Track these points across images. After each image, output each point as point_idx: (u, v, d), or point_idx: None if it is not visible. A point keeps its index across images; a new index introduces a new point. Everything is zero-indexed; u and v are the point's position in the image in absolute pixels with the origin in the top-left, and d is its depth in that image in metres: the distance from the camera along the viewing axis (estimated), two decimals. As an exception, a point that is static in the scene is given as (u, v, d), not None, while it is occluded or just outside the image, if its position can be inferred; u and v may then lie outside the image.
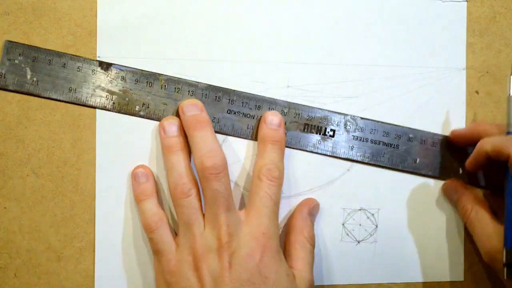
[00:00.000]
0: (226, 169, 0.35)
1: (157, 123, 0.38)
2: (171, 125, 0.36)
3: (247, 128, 0.39)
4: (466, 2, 0.41)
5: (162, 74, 0.38)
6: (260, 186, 0.35)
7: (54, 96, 0.37)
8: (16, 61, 0.37)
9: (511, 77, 0.36)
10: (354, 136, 0.40)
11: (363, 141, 0.40)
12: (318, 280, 0.40)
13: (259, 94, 0.39)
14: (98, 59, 0.38)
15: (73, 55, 0.37)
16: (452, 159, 0.40)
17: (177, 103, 0.38)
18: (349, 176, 0.41)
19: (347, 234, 0.41)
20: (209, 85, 0.38)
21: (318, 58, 0.40)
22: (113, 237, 0.38)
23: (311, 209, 0.38)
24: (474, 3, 0.42)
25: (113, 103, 0.38)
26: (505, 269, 0.31)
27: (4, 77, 0.36)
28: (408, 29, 0.41)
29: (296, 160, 0.40)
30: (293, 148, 0.40)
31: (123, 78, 0.38)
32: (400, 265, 0.41)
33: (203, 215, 0.35)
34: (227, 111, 0.39)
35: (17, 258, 0.38)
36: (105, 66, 0.37)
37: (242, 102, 0.39)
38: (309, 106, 0.40)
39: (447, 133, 0.41)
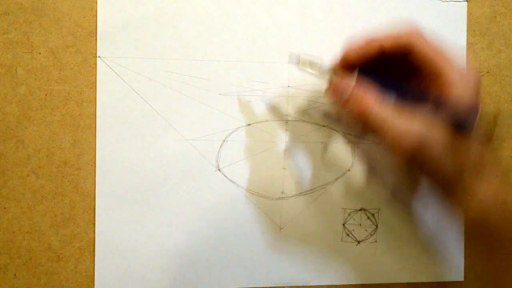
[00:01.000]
0: None
1: (158, 123, 0.38)
2: None
3: None
4: (466, 2, 0.41)
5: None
6: None
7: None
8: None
9: None
10: None
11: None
12: (318, 280, 0.40)
13: (259, 94, 0.39)
14: (98, 58, 0.38)
15: (73, 55, 0.37)
16: None
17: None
18: (349, 176, 0.41)
19: (347, 234, 0.41)
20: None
21: (318, 58, 0.40)
22: (113, 237, 0.38)
23: None
24: (474, 3, 0.42)
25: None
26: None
27: None
28: (408, 29, 0.41)
29: (296, 160, 0.40)
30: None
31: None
32: (400, 265, 0.41)
33: None
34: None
35: (17, 258, 0.38)
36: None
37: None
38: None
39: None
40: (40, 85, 0.38)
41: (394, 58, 0.33)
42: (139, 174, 0.38)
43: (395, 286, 0.41)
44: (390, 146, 0.32)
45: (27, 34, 0.37)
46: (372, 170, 0.41)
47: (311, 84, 0.40)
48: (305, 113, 0.40)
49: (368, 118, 0.32)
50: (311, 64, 0.35)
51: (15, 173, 0.38)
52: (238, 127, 0.39)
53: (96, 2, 0.38)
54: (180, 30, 0.39)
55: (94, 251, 0.38)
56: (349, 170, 0.41)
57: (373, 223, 0.41)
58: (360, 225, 0.41)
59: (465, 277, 0.42)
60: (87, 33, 0.38)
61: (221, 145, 0.39)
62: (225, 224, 0.39)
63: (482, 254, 0.36)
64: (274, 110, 0.38)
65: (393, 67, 0.34)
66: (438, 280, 0.42)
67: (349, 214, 0.41)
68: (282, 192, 0.40)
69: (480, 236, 0.35)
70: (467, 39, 0.42)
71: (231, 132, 0.39)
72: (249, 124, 0.39)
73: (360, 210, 0.41)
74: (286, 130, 0.40)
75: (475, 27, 0.42)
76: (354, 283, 0.41)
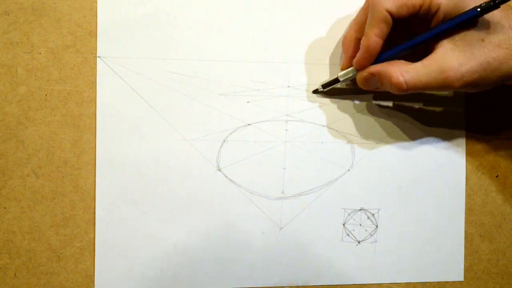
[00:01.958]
0: None
1: (158, 123, 0.38)
2: None
3: None
4: (466, 2, 0.41)
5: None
6: None
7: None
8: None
9: None
10: None
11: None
12: (318, 280, 0.40)
13: (260, 94, 0.39)
14: (98, 58, 0.38)
15: (73, 55, 0.37)
16: None
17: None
18: (349, 176, 0.41)
19: (348, 234, 0.41)
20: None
21: (318, 58, 0.40)
22: (113, 237, 0.38)
23: None
24: (474, 3, 0.42)
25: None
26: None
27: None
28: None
29: (296, 160, 0.40)
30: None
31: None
32: (400, 265, 0.41)
33: None
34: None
35: (17, 258, 0.38)
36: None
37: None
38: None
39: (448, 134, 0.41)
40: (40, 85, 0.38)
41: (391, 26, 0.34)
42: (139, 174, 0.38)
43: (395, 286, 0.41)
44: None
45: (27, 34, 0.37)
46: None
47: (310, 84, 0.40)
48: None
49: (408, 90, 0.34)
50: (332, 82, 0.38)
51: (15, 173, 0.38)
52: (238, 127, 0.39)
53: (96, 2, 0.38)
54: (180, 30, 0.39)
55: (94, 251, 0.38)
56: (349, 170, 0.41)
57: (373, 223, 0.41)
58: (360, 225, 0.41)
59: (465, 277, 0.42)
60: (87, 33, 0.38)
61: (221, 145, 0.39)
62: (225, 224, 0.39)
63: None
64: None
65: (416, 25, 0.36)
66: (438, 280, 0.42)
67: (349, 214, 0.41)
68: (282, 192, 0.40)
69: None
70: (467, 39, 0.42)
71: (231, 132, 0.39)
72: (249, 124, 0.39)
73: (360, 210, 0.41)
74: (286, 130, 0.40)
75: (475, 27, 0.42)
76: (354, 283, 0.41)
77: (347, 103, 0.40)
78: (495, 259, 0.43)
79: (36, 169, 0.38)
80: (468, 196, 0.42)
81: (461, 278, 0.42)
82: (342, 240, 0.41)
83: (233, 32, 0.39)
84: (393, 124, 0.41)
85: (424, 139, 0.41)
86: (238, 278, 0.40)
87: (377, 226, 0.41)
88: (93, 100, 0.38)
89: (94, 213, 0.38)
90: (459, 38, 0.33)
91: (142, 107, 0.38)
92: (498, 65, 0.33)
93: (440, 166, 0.41)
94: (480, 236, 0.42)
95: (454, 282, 0.42)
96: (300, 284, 0.40)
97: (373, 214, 0.41)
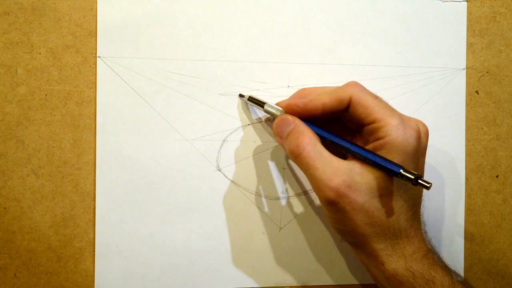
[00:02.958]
0: None
1: (158, 123, 0.38)
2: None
3: None
4: (466, 2, 0.41)
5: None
6: None
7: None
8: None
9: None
10: None
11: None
12: (318, 280, 0.40)
13: (260, 94, 0.39)
14: (98, 58, 0.38)
15: (73, 55, 0.37)
16: None
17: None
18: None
19: (347, 234, 0.41)
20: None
21: (318, 58, 0.40)
22: (113, 237, 0.38)
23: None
24: (474, 3, 0.42)
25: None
26: (421, 182, 0.30)
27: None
28: (408, 29, 0.41)
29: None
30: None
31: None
32: (400, 265, 0.41)
33: None
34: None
35: (17, 258, 0.38)
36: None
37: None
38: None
39: (447, 135, 0.41)
40: (40, 85, 0.38)
41: (334, 112, 0.34)
42: (139, 174, 0.38)
43: (395, 286, 0.41)
44: (316, 187, 0.32)
45: (27, 34, 0.37)
46: None
47: (310, 84, 0.40)
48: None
49: (299, 156, 0.32)
50: (258, 102, 0.37)
51: (15, 173, 0.38)
52: (238, 127, 0.39)
53: (96, 2, 0.38)
54: (180, 30, 0.39)
55: (94, 251, 0.38)
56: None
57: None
58: (360, 225, 0.41)
59: (465, 277, 0.42)
60: (87, 33, 0.38)
61: (221, 145, 0.39)
62: (225, 224, 0.39)
63: None
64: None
65: (339, 123, 0.36)
66: (438, 280, 0.42)
67: (349, 214, 0.41)
68: (282, 192, 0.40)
69: None
70: (467, 39, 0.42)
71: (231, 132, 0.39)
72: (249, 124, 0.39)
73: (360, 210, 0.41)
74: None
75: (475, 27, 0.42)
76: (354, 283, 0.41)
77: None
78: (495, 259, 0.43)
79: (36, 169, 0.38)
80: (468, 196, 0.42)
81: (461, 278, 0.42)
82: (341, 240, 0.41)
83: (233, 32, 0.39)
84: (393, 124, 0.41)
85: (424, 139, 0.41)
86: (238, 278, 0.40)
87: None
88: (93, 100, 0.38)
89: (94, 213, 0.38)
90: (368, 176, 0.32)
91: (142, 107, 0.38)
92: (357, 228, 0.32)
93: (440, 166, 0.41)
94: (480, 236, 0.42)
95: (454, 282, 0.42)
96: (300, 284, 0.40)
97: (373, 214, 0.41)
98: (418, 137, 0.32)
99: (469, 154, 0.42)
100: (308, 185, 0.40)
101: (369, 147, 0.33)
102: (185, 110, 0.39)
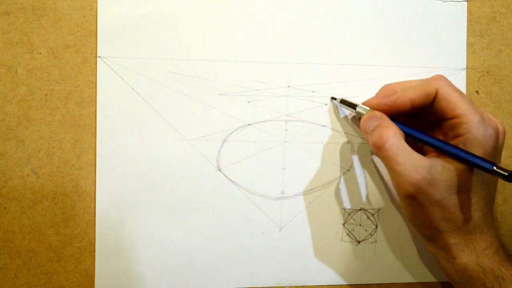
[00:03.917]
0: None
1: (158, 123, 0.38)
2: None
3: None
4: (466, 2, 0.41)
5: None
6: None
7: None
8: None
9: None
10: None
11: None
12: (318, 280, 0.40)
13: (260, 94, 0.39)
14: (98, 58, 0.38)
15: (73, 55, 0.37)
16: None
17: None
18: (349, 176, 0.41)
19: (348, 234, 0.41)
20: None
21: (318, 58, 0.40)
22: (113, 237, 0.38)
23: None
24: (474, 3, 0.42)
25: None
26: None
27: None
28: (408, 29, 0.41)
29: (296, 160, 0.40)
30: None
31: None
32: (400, 265, 0.41)
33: None
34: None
35: (17, 258, 0.38)
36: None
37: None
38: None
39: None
40: (40, 85, 0.38)
41: (421, 107, 0.34)
42: (139, 174, 0.38)
43: (395, 286, 0.41)
44: (395, 181, 0.33)
45: (27, 34, 0.37)
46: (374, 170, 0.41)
47: (310, 84, 0.40)
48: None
49: (382, 148, 0.33)
50: (350, 104, 0.38)
51: (15, 173, 0.38)
52: (238, 127, 0.39)
53: (96, 2, 0.38)
54: (180, 30, 0.39)
55: (94, 251, 0.38)
56: (349, 170, 0.41)
57: (373, 223, 0.41)
58: (360, 225, 0.41)
59: None
60: (87, 33, 0.38)
61: (221, 145, 0.39)
62: (225, 224, 0.39)
63: None
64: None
65: (419, 116, 0.37)
66: (438, 280, 0.42)
67: (349, 214, 0.41)
68: (282, 192, 0.40)
69: None
70: (467, 39, 0.42)
71: (231, 132, 0.39)
72: (249, 124, 0.39)
73: (360, 210, 0.41)
74: (286, 130, 0.40)
75: (475, 27, 0.42)
76: (354, 283, 0.41)
77: (347, 103, 0.40)
78: (495, 259, 0.43)
79: (36, 169, 0.38)
80: (468, 196, 0.42)
81: (461, 278, 0.42)
82: (342, 240, 0.41)
83: (233, 32, 0.39)
84: (393, 124, 0.41)
85: (424, 139, 0.41)
86: (238, 278, 0.40)
87: (377, 226, 0.41)
88: (93, 100, 0.38)
89: (94, 213, 0.38)
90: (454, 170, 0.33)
91: (142, 107, 0.38)
92: (432, 223, 0.33)
93: (440, 166, 0.41)
94: (480, 236, 0.42)
95: (454, 282, 0.42)
96: (300, 284, 0.40)
97: (373, 214, 0.41)
98: (497, 136, 0.33)
99: (469, 154, 0.42)
100: (308, 185, 0.40)
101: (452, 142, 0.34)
102: (185, 110, 0.39)
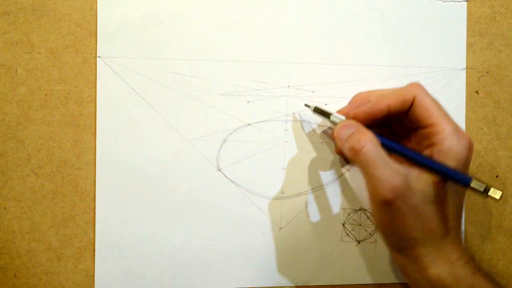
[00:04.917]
0: None
1: (158, 123, 0.38)
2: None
3: None
4: (466, 2, 0.41)
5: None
6: None
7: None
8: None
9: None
10: None
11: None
12: (318, 280, 0.40)
13: (260, 94, 0.39)
14: (98, 58, 0.38)
15: (73, 55, 0.37)
16: None
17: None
18: (349, 176, 0.41)
19: (347, 234, 0.41)
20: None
21: (318, 58, 0.40)
22: (113, 237, 0.38)
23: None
24: (474, 3, 0.42)
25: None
26: (498, 192, 0.31)
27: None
28: (408, 29, 0.41)
29: (296, 160, 0.40)
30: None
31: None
32: (400, 265, 0.41)
33: None
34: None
35: (17, 258, 0.38)
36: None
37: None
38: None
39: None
40: (40, 85, 0.38)
41: (398, 113, 0.34)
42: (139, 174, 0.38)
43: (395, 286, 0.41)
44: (373, 186, 0.32)
45: (27, 34, 0.37)
46: None
47: (311, 84, 0.40)
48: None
49: (359, 152, 0.32)
50: (324, 113, 0.37)
51: (15, 173, 0.38)
52: (238, 127, 0.39)
53: (96, 2, 0.38)
54: (180, 30, 0.39)
55: (94, 251, 0.38)
56: (348, 170, 0.41)
57: (373, 223, 0.41)
58: (360, 225, 0.41)
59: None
60: (87, 33, 0.38)
61: (221, 145, 0.39)
62: (225, 224, 0.39)
63: None
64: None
65: (390, 127, 0.37)
66: (438, 280, 0.42)
67: (349, 214, 0.41)
68: (282, 192, 0.40)
69: None
70: (467, 39, 0.42)
71: (231, 132, 0.39)
72: (249, 124, 0.39)
73: (360, 210, 0.41)
74: (286, 130, 0.40)
75: (475, 27, 0.42)
76: (354, 283, 0.41)
77: (347, 103, 0.40)
78: (495, 259, 0.43)
79: (36, 169, 0.38)
80: (468, 196, 0.42)
81: (461, 278, 0.42)
82: (342, 240, 0.41)
83: (233, 32, 0.39)
84: (393, 124, 0.41)
85: (424, 139, 0.41)
86: (238, 278, 0.40)
87: (377, 226, 0.41)
88: (93, 100, 0.38)
89: (94, 213, 0.38)
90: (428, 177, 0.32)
91: (142, 107, 0.38)
92: (406, 231, 0.32)
93: (440, 166, 0.41)
94: (480, 236, 0.42)
95: (454, 282, 0.42)
96: (300, 284, 0.40)
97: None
98: (470, 149, 0.33)
99: (469, 154, 0.42)
100: (308, 185, 0.40)
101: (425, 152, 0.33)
102: (185, 110, 0.39)
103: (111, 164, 0.38)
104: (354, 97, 0.38)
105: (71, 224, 0.38)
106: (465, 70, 0.42)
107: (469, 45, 0.42)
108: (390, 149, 0.34)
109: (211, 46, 0.39)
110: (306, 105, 0.39)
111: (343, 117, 0.36)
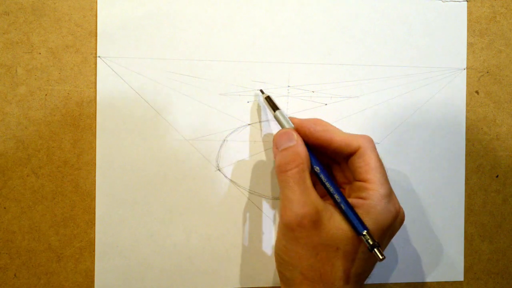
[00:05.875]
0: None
1: (158, 123, 0.38)
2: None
3: None
4: (466, 2, 0.41)
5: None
6: None
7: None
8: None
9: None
10: None
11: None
12: (318, 280, 0.40)
13: (260, 93, 0.39)
14: (98, 58, 0.38)
15: (73, 55, 0.37)
16: None
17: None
18: (349, 176, 0.41)
19: (347, 234, 0.41)
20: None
21: (318, 58, 0.40)
22: (113, 237, 0.38)
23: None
24: (474, 3, 0.42)
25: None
26: (376, 251, 0.30)
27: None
28: (408, 29, 0.41)
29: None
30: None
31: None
32: (400, 265, 0.41)
33: None
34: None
35: (17, 258, 0.38)
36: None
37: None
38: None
39: (450, 133, 0.41)
40: (40, 85, 0.38)
41: (338, 153, 0.34)
42: (139, 174, 0.38)
43: (395, 286, 0.41)
44: (284, 207, 0.32)
45: (27, 34, 0.37)
46: None
47: (311, 84, 0.40)
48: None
49: (284, 173, 0.32)
50: (272, 106, 0.36)
51: (15, 173, 0.38)
52: (238, 127, 0.39)
53: (96, 2, 0.38)
54: (180, 30, 0.39)
55: (94, 251, 0.38)
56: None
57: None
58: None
59: (465, 277, 0.42)
60: (87, 33, 0.38)
61: (221, 145, 0.39)
62: (225, 224, 0.39)
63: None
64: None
65: (337, 167, 0.36)
66: (438, 280, 0.42)
67: (349, 214, 0.41)
68: (282, 192, 0.40)
69: None
70: (467, 39, 0.42)
71: (231, 132, 0.39)
72: (249, 124, 0.39)
73: (360, 210, 0.41)
74: (286, 130, 0.40)
75: (475, 27, 0.42)
76: (354, 283, 0.41)
77: (347, 103, 0.40)
78: (495, 259, 0.43)
79: (36, 169, 0.38)
80: (468, 196, 0.42)
81: (461, 278, 0.42)
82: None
83: (233, 32, 0.39)
84: (392, 125, 0.41)
85: (423, 139, 0.41)
86: (238, 278, 0.40)
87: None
88: (93, 100, 0.38)
89: (94, 213, 0.38)
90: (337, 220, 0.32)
91: (142, 107, 0.38)
92: (299, 265, 0.31)
93: (440, 166, 0.41)
94: (480, 236, 0.42)
95: (454, 282, 0.42)
96: (300, 284, 0.40)
97: (373, 214, 0.41)
98: (395, 217, 0.32)
99: (469, 154, 0.42)
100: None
101: (349, 200, 0.33)
102: (185, 110, 0.39)
103: (111, 164, 0.38)
104: (313, 118, 0.36)
105: (71, 224, 0.38)
106: (465, 70, 0.42)
107: (469, 45, 0.42)
108: (317, 178, 0.33)
109: (211, 46, 0.39)
110: (261, 90, 0.38)
111: (289, 121, 0.35)
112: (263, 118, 0.40)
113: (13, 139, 0.38)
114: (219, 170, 0.39)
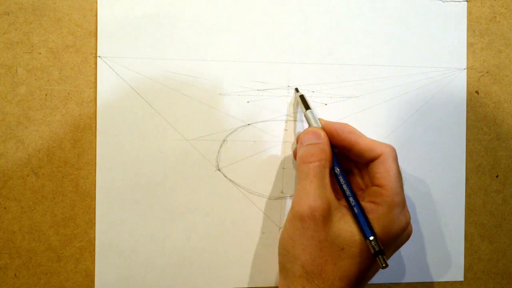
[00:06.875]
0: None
1: (158, 123, 0.38)
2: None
3: None
4: (466, 2, 0.41)
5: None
6: None
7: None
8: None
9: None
10: None
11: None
12: (318, 280, 0.40)
13: (260, 94, 0.39)
14: (98, 58, 0.38)
15: (73, 55, 0.37)
16: None
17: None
18: (349, 176, 0.41)
19: (347, 234, 0.41)
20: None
21: (318, 58, 0.40)
22: (113, 237, 0.38)
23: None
24: (474, 3, 0.42)
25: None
26: (380, 258, 0.30)
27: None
28: (408, 29, 0.41)
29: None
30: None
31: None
32: (400, 265, 0.41)
33: None
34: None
35: (17, 258, 0.38)
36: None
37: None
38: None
39: (450, 132, 0.41)
40: (40, 85, 0.38)
41: (359, 156, 0.34)
42: (139, 174, 0.38)
43: (395, 286, 0.41)
44: (299, 197, 0.32)
45: (27, 34, 0.37)
46: None
47: (310, 84, 0.40)
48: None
49: (307, 163, 0.33)
50: (305, 104, 0.37)
51: (15, 173, 0.38)
52: (238, 127, 0.39)
53: (96, 2, 0.38)
54: (180, 30, 0.39)
55: (94, 251, 0.38)
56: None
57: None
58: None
59: (465, 277, 0.42)
60: (87, 33, 0.38)
61: (221, 145, 0.39)
62: (225, 224, 0.39)
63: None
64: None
65: (357, 170, 0.37)
66: (438, 280, 0.42)
67: (349, 214, 0.41)
68: (282, 192, 0.40)
69: None
70: (467, 39, 0.42)
71: (231, 132, 0.39)
72: (249, 124, 0.39)
73: (360, 210, 0.41)
74: (286, 130, 0.40)
75: (475, 27, 0.42)
76: (354, 283, 0.41)
77: (347, 103, 0.40)
78: (495, 259, 0.43)
79: (36, 169, 0.38)
80: (468, 196, 0.42)
81: (461, 278, 0.42)
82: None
83: (233, 32, 0.39)
84: (392, 125, 0.41)
85: (423, 139, 0.41)
86: (237, 278, 0.40)
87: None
88: (93, 100, 0.38)
89: (94, 213, 0.38)
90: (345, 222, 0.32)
91: (142, 107, 0.38)
92: (300, 260, 0.32)
93: (440, 166, 0.41)
94: (480, 236, 0.42)
95: (454, 282, 0.42)
96: (300, 284, 0.40)
97: (373, 214, 0.41)
98: (404, 228, 0.33)
99: (469, 154, 0.42)
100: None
101: (362, 203, 0.33)
102: (185, 110, 0.39)
103: (111, 164, 0.38)
104: (343, 122, 0.36)
105: (71, 224, 0.38)
106: (465, 70, 0.42)
107: (469, 45, 0.42)
108: (337, 180, 0.34)
109: (211, 46, 0.39)
110: (296, 89, 0.39)
111: (317, 120, 0.36)
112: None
113: (13, 139, 0.38)
114: (219, 170, 0.39)
